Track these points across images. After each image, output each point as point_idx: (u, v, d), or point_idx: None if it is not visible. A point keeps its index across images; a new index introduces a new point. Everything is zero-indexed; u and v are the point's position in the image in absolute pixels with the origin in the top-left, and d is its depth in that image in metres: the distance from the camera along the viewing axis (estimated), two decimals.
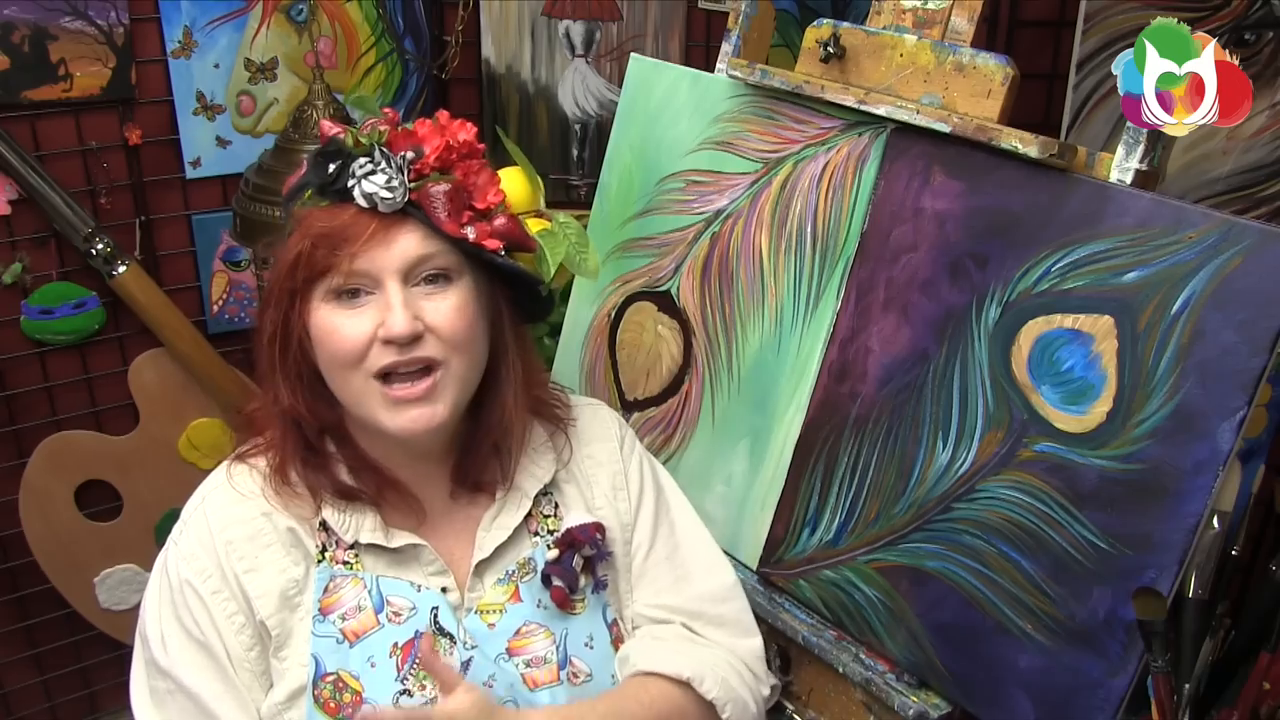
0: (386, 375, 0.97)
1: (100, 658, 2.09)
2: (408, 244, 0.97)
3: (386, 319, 0.95)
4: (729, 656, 1.14)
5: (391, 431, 0.98)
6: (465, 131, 1.03)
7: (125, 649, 2.07)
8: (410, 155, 0.97)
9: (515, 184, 1.08)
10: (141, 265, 1.86)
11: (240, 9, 1.88)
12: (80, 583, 1.98)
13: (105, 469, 1.97)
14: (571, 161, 2.13)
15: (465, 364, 1.00)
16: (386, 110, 1.04)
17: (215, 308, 2.01)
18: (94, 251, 1.80)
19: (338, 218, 0.96)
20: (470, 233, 0.99)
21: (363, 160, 0.96)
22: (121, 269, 1.82)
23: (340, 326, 0.97)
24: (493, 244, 1.00)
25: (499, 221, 1.01)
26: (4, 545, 1.94)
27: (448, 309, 0.98)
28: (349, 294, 0.97)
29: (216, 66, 1.88)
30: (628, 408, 1.50)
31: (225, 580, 1.01)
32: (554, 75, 2.08)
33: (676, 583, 1.16)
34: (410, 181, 0.97)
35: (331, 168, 0.97)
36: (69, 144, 1.80)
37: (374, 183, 0.95)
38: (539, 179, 1.10)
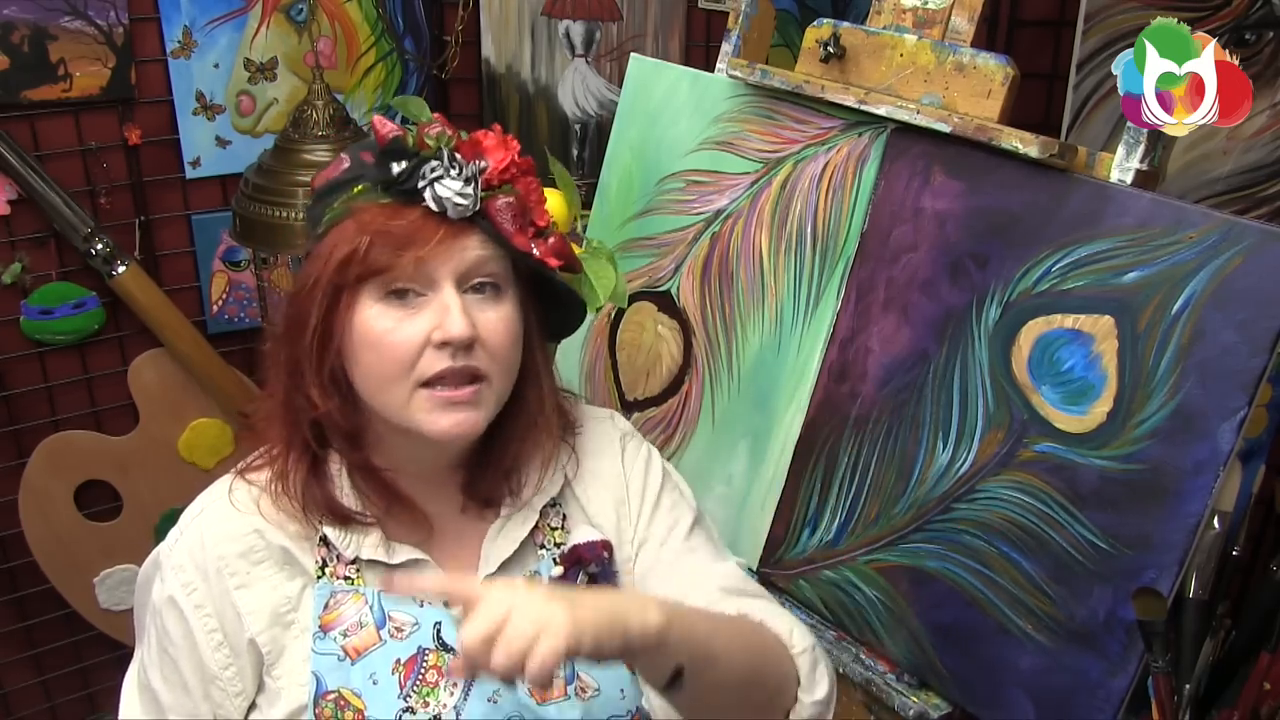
0: (430, 382, 0.96)
1: (100, 658, 2.09)
2: (469, 249, 0.95)
3: (444, 321, 0.93)
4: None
5: (432, 436, 0.96)
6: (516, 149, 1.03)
7: (125, 649, 2.08)
8: (483, 165, 0.97)
9: (555, 204, 1.08)
10: (141, 265, 1.85)
11: (240, 9, 1.87)
12: (80, 583, 1.98)
13: (105, 469, 1.96)
14: (571, 161, 2.13)
15: (504, 379, 0.99)
16: (438, 115, 1.02)
17: (215, 308, 2.01)
18: (94, 251, 1.80)
19: (403, 217, 0.94)
20: (535, 248, 0.98)
21: (434, 164, 0.95)
22: (121, 269, 1.82)
23: (393, 330, 0.94)
24: (554, 262, 1.00)
25: (552, 240, 1.01)
26: (4, 545, 1.94)
27: (497, 320, 0.96)
28: (397, 295, 0.95)
29: (216, 66, 1.88)
30: (628, 408, 1.50)
31: (211, 595, 1.00)
32: (554, 75, 2.08)
33: (697, 569, 1.12)
34: (480, 191, 0.96)
35: (397, 167, 0.95)
36: (69, 144, 1.80)
37: (448, 187, 0.94)
38: (578, 201, 1.10)
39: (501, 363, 0.97)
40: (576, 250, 1.09)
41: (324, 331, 0.97)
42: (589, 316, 1.54)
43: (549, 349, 1.10)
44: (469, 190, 0.95)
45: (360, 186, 0.97)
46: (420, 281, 0.95)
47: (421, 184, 0.94)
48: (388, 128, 0.99)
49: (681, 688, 0.88)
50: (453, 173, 0.95)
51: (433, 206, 0.94)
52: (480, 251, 0.96)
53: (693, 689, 0.88)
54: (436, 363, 0.94)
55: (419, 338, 0.94)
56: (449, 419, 0.96)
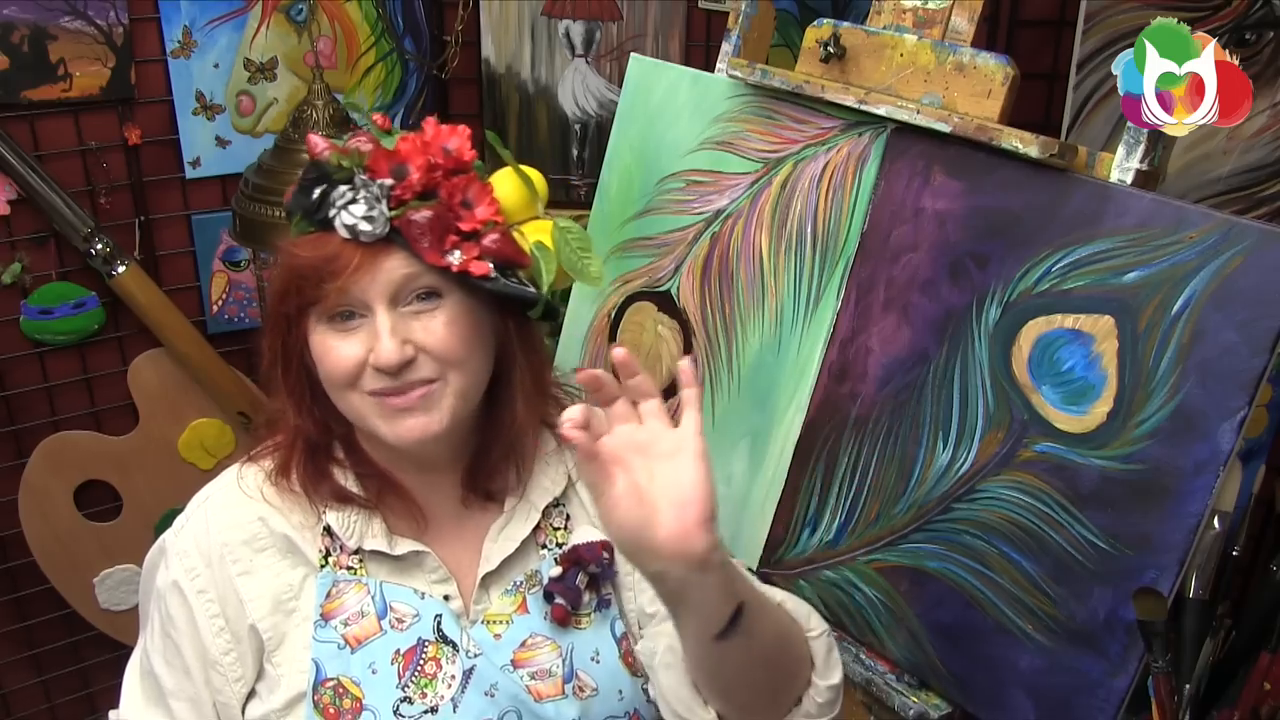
0: (377, 392, 0.97)
1: (99, 658, 2.09)
2: (393, 269, 0.94)
3: (376, 347, 0.94)
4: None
5: (390, 440, 0.98)
6: (456, 138, 0.98)
7: (124, 649, 2.07)
8: (389, 182, 0.94)
9: (509, 189, 1.05)
10: (141, 265, 1.85)
11: (240, 9, 1.87)
12: (79, 583, 1.98)
13: (105, 469, 1.96)
14: (571, 161, 2.13)
15: (463, 378, 0.98)
16: (377, 117, 1.01)
17: (215, 308, 2.01)
18: (93, 251, 1.80)
19: (321, 249, 0.94)
20: (454, 259, 0.95)
21: (343, 188, 0.94)
22: (121, 269, 1.82)
23: (332, 350, 0.96)
24: (480, 268, 0.96)
25: (489, 240, 0.97)
26: (3, 545, 1.94)
27: (438, 327, 0.96)
28: (342, 316, 0.96)
29: (216, 66, 1.88)
30: None
31: (214, 581, 1.01)
32: (554, 75, 2.08)
33: None
34: (391, 209, 0.94)
35: (315, 194, 0.95)
36: (68, 144, 1.80)
37: (353, 214, 0.93)
38: (539, 179, 1.07)
39: (453, 364, 0.97)
40: (542, 229, 1.05)
41: (284, 357, 1.00)
42: (589, 316, 1.55)
43: (537, 332, 1.08)
44: (375, 213, 0.93)
45: (298, 216, 0.97)
46: (355, 304, 0.95)
47: (332, 212, 0.94)
48: (318, 148, 0.97)
49: (738, 633, 0.87)
50: (361, 194, 0.94)
51: (344, 234, 0.94)
52: (407, 269, 0.95)
53: (741, 643, 0.88)
54: (378, 381, 0.96)
55: (357, 358, 0.95)
56: (403, 425, 0.97)
